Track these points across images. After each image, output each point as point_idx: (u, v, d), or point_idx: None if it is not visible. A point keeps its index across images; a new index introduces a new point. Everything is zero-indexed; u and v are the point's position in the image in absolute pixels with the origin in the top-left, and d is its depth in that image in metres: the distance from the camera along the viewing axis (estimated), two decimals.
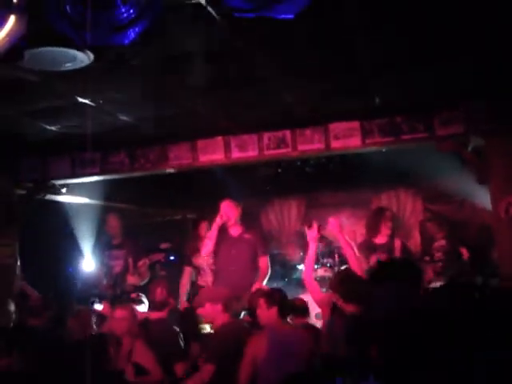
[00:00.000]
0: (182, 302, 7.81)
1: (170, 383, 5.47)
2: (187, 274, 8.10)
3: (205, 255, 7.27)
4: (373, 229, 7.82)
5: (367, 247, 7.53)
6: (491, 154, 6.60)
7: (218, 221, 7.03)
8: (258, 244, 7.14)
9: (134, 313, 5.90)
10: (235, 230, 7.18)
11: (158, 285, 6.68)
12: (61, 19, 2.90)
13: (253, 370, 4.95)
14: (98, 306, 6.75)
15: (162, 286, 6.61)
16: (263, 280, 6.95)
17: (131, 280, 8.13)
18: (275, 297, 5.48)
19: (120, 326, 5.67)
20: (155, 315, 6.35)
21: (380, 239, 7.59)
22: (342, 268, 6.53)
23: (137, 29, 2.95)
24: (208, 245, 7.11)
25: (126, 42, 3.04)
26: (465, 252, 8.22)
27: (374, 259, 7.18)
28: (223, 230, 7.17)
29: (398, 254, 7.44)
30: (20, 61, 3.67)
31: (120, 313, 5.78)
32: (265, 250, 7.18)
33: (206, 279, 7.48)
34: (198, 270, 7.76)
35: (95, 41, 2.97)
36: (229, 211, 7.10)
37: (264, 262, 7.07)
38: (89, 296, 8.28)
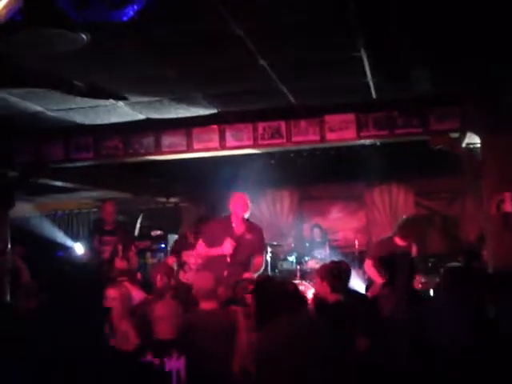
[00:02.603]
0: None
1: None
2: (170, 263, 7.98)
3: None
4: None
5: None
6: (486, 150, 6.61)
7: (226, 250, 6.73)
8: (257, 245, 6.96)
9: (125, 294, 5.84)
10: (239, 228, 6.91)
11: (157, 272, 6.60)
12: None
13: None
14: None
15: (161, 272, 6.53)
16: (255, 274, 6.89)
17: (119, 265, 8.09)
18: None
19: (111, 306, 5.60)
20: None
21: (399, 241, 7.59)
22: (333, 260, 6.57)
23: (135, 6, 2.94)
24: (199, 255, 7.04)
25: (125, 19, 3.02)
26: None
27: None
28: (228, 225, 6.96)
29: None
30: (16, 39, 3.65)
31: (112, 292, 5.73)
32: (262, 250, 7.11)
33: (189, 277, 7.38)
34: (182, 266, 7.67)
35: (93, 17, 2.95)
36: (237, 208, 6.86)
37: (259, 260, 6.97)
38: None
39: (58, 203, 11.00)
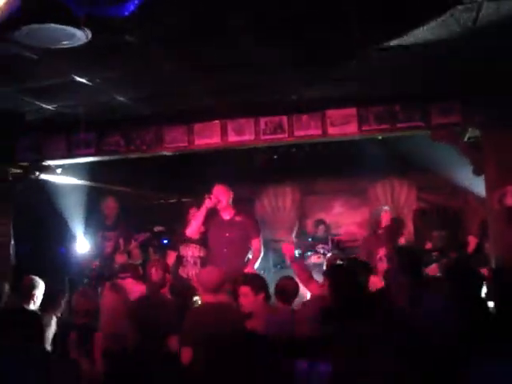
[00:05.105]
0: None
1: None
2: (171, 259, 7.99)
3: (190, 235, 7.29)
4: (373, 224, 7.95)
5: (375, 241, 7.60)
6: (487, 145, 6.62)
7: (208, 203, 7.13)
8: (249, 226, 7.24)
9: (124, 296, 5.87)
10: (227, 214, 7.28)
11: (152, 265, 6.66)
12: None
13: None
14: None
15: (156, 265, 6.59)
16: (255, 262, 7.04)
17: (120, 259, 8.13)
18: (260, 283, 5.52)
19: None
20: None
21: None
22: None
23: (136, 1, 2.94)
24: (193, 225, 7.20)
25: (126, 13, 3.02)
26: (472, 241, 8.22)
27: (381, 252, 7.23)
28: (215, 214, 7.25)
29: None
30: (18, 35, 3.65)
31: (110, 296, 5.76)
32: (257, 232, 7.26)
33: (188, 271, 7.45)
34: (181, 260, 7.70)
35: (95, 12, 2.95)
36: (220, 194, 7.21)
37: (256, 244, 7.16)
38: (81, 277, 8.32)
39: None
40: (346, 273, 5.04)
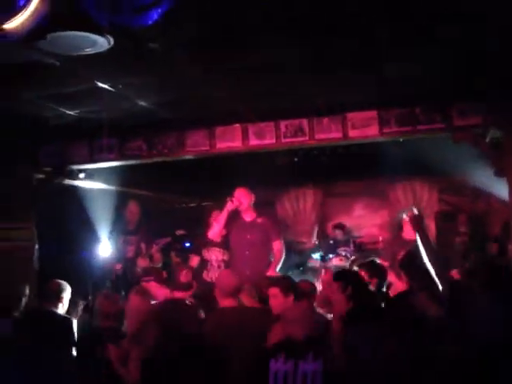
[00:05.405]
0: None
1: None
2: (194, 262, 8.03)
3: (212, 237, 7.36)
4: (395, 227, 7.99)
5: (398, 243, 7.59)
6: (509, 146, 6.57)
7: (229, 205, 7.21)
8: (270, 228, 7.28)
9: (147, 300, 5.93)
10: (248, 216, 7.33)
11: (184, 268, 6.81)
12: None
13: None
14: None
15: (188, 269, 6.73)
16: (277, 264, 7.06)
17: (142, 263, 8.19)
18: (289, 284, 5.53)
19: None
20: (178, 295, 6.36)
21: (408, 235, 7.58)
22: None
23: (160, 10, 2.97)
24: (215, 228, 7.27)
25: (149, 22, 3.06)
26: (495, 247, 8.19)
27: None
28: (237, 216, 7.29)
29: None
30: (42, 42, 3.70)
31: (135, 300, 5.81)
32: (278, 234, 7.32)
33: (212, 275, 7.47)
34: (205, 264, 7.73)
35: (118, 21, 2.99)
36: (241, 197, 7.28)
37: (278, 246, 7.20)
38: (104, 281, 8.39)
39: None
40: (355, 276, 5.03)
